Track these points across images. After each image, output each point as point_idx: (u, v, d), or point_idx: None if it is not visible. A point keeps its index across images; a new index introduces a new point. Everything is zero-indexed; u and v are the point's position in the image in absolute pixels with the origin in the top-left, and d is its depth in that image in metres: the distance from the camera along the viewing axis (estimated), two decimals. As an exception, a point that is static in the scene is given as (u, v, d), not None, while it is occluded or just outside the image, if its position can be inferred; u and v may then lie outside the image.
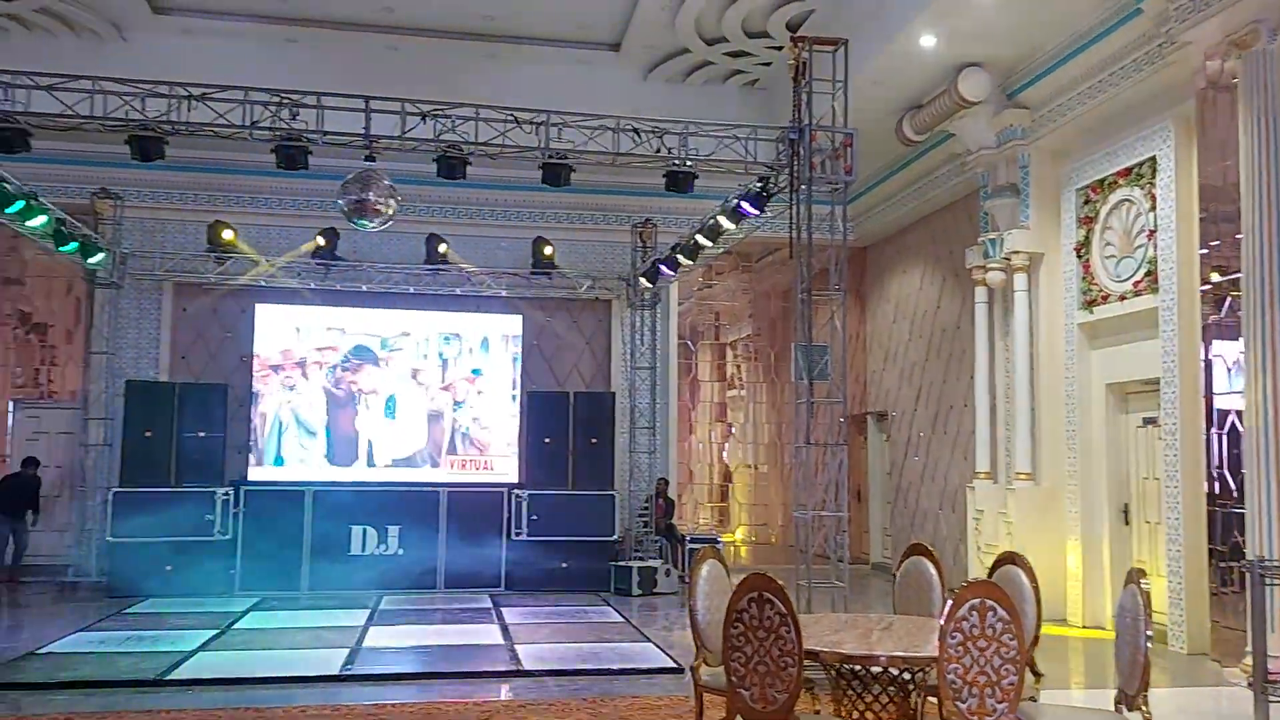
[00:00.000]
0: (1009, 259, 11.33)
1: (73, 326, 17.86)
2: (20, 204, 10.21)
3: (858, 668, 4.94)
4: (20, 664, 8.26)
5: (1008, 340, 11.59)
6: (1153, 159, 9.72)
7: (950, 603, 4.36)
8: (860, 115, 9.78)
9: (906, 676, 5.00)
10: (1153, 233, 9.69)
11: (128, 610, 11.14)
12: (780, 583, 4.59)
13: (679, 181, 9.97)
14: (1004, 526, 11.11)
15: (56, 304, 18.08)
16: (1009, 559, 5.65)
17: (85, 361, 13.97)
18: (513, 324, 14.51)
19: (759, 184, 10.02)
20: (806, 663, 4.58)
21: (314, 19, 12.73)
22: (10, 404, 15.24)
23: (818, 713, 5.90)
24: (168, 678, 7.86)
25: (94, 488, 13.08)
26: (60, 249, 11.84)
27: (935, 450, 14.07)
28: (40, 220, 10.80)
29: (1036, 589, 5.45)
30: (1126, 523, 10.37)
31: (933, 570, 5.99)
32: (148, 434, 12.57)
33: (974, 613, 4.33)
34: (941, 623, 4.37)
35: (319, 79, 10.29)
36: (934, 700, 5.10)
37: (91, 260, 12.69)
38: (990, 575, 5.62)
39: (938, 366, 14.06)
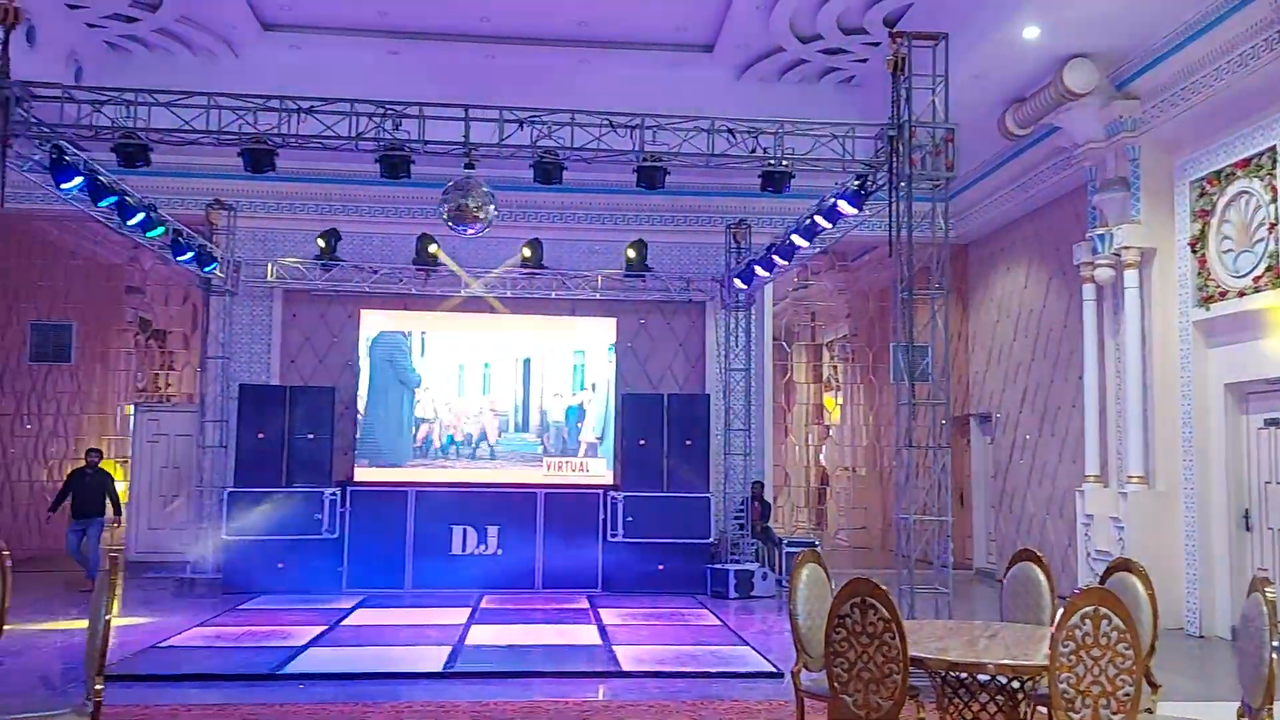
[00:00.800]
0: (1119, 255, 10.95)
1: (189, 332, 18.64)
2: (141, 215, 10.67)
3: (964, 676, 4.84)
4: (142, 656, 8.61)
5: (1118, 339, 11.20)
6: (1273, 149, 9.29)
7: (1062, 610, 4.24)
8: (961, 110, 9.58)
9: (1015, 685, 4.88)
10: (1274, 225, 9.26)
11: (242, 606, 11.55)
12: (884, 588, 4.52)
13: (775, 181, 9.89)
14: (1115, 532, 10.75)
15: (174, 311, 18.91)
16: (1123, 566, 5.47)
17: (201, 366, 14.53)
18: (607, 327, 14.61)
19: (857, 182, 9.88)
20: (911, 670, 4.51)
21: (414, 31, 13.04)
22: (133, 407, 15.96)
23: (923, 720, 5.80)
24: (280, 672, 8.13)
25: (210, 487, 13.59)
26: (178, 258, 12.34)
27: (1042, 453, 13.68)
28: (159, 231, 11.27)
29: (1152, 597, 5.27)
30: (1248, 529, 9.92)
31: (1042, 577, 5.84)
32: (260, 435, 13.03)
33: (1087, 621, 4.20)
34: (1053, 631, 4.25)
35: (420, 89, 10.53)
36: (1043, 710, 4.97)
37: (206, 269, 13.20)
38: (1103, 582, 5.45)
39: (1044, 367, 13.67)
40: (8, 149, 8.52)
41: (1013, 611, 5.97)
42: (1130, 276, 10.91)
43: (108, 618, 4.65)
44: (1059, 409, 13.21)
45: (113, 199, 10.01)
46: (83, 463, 13.27)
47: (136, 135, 9.17)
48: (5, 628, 5.36)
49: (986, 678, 4.81)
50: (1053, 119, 11.45)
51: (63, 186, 9.36)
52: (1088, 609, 4.21)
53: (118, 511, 13.20)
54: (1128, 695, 4.20)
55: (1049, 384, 13.52)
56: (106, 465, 14.27)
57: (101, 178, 9.73)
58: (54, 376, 16.93)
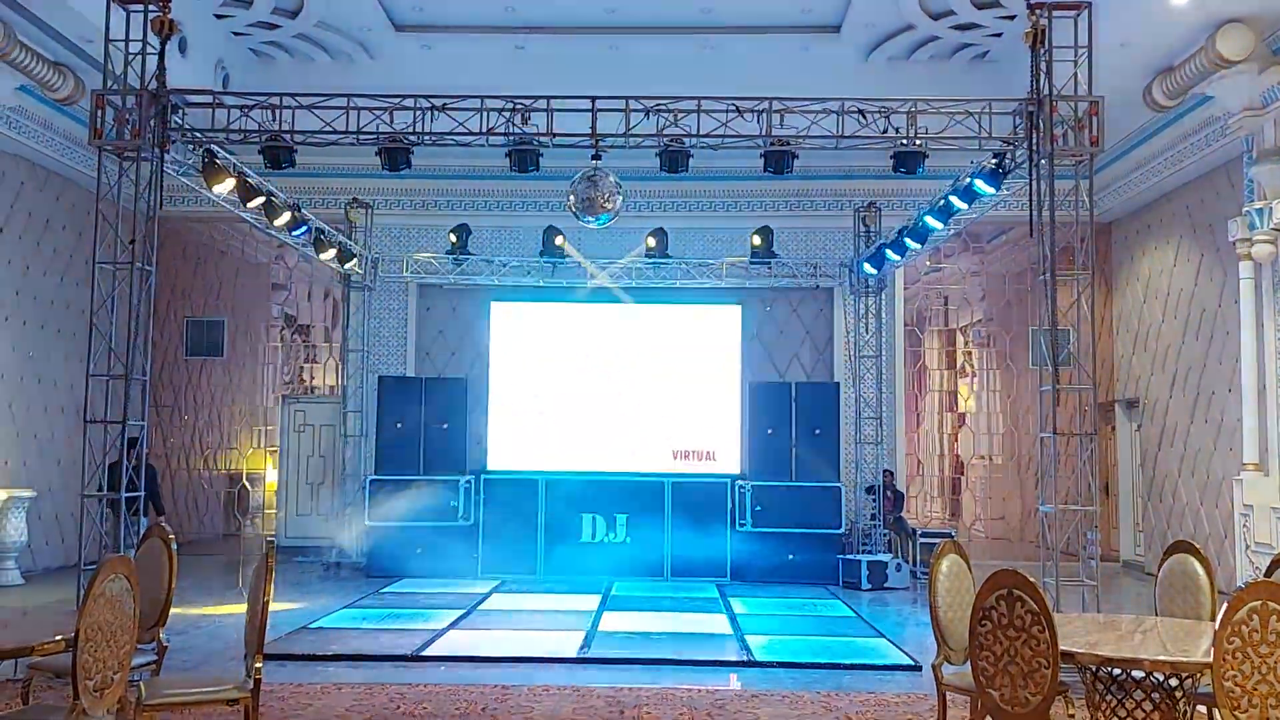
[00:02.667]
0: (1279, 230, 10.30)
1: (330, 326, 19.38)
2: (287, 215, 11.13)
3: (1118, 672, 4.64)
4: (295, 637, 9.02)
5: (1278, 319, 10.55)
6: None
7: (1227, 605, 4.02)
8: (1104, 82, 9.12)
9: (1173, 683, 4.65)
10: None
11: (385, 589, 11.97)
12: (1031, 579, 4.37)
13: (908, 162, 9.63)
14: (1278, 523, 10.14)
15: (316, 306, 19.68)
16: (1291, 559, 5.15)
17: (342, 359, 15.10)
18: (733, 315, 14.53)
19: (994, 160, 9.54)
20: (1061, 665, 4.34)
21: (540, 25, 13.20)
22: (280, 399, 16.70)
23: (1072, 717, 5.60)
24: (422, 654, 8.40)
25: (352, 475, 14.11)
26: (319, 255, 12.84)
27: (1195, 440, 13.00)
28: (302, 230, 11.74)
29: (1325, 593, 4.94)
30: None
31: (1200, 570, 5.54)
32: (398, 425, 13.46)
33: (1255, 616, 3.97)
34: (1217, 627, 4.03)
35: (547, 83, 10.63)
36: (1203, 710, 4.74)
37: (346, 265, 13.69)
38: (1268, 575, 5.15)
39: (1196, 349, 12.99)
40: (165, 154, 8.98)
41: (1168, 606, 5.69)
42: (1292, 252, 10.26)
43: (265, 600, 4.88)
44: (1213, 393, 12.53)
45: (260, 200, 10.47)
46: None
47: (281, 137, 9.55)
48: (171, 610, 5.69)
49: (1142, 674, 4.60)
50: (1204, 88, 10.85)
51: (215, 188, 9.83)
52: (1255, 603, 3.97)
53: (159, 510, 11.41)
54: (1300, 696, 3.95)
55: (1201, 367, 12.83)
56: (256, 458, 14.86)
57: (250, 179, 10.19)
58: (208, 369, 17.86)
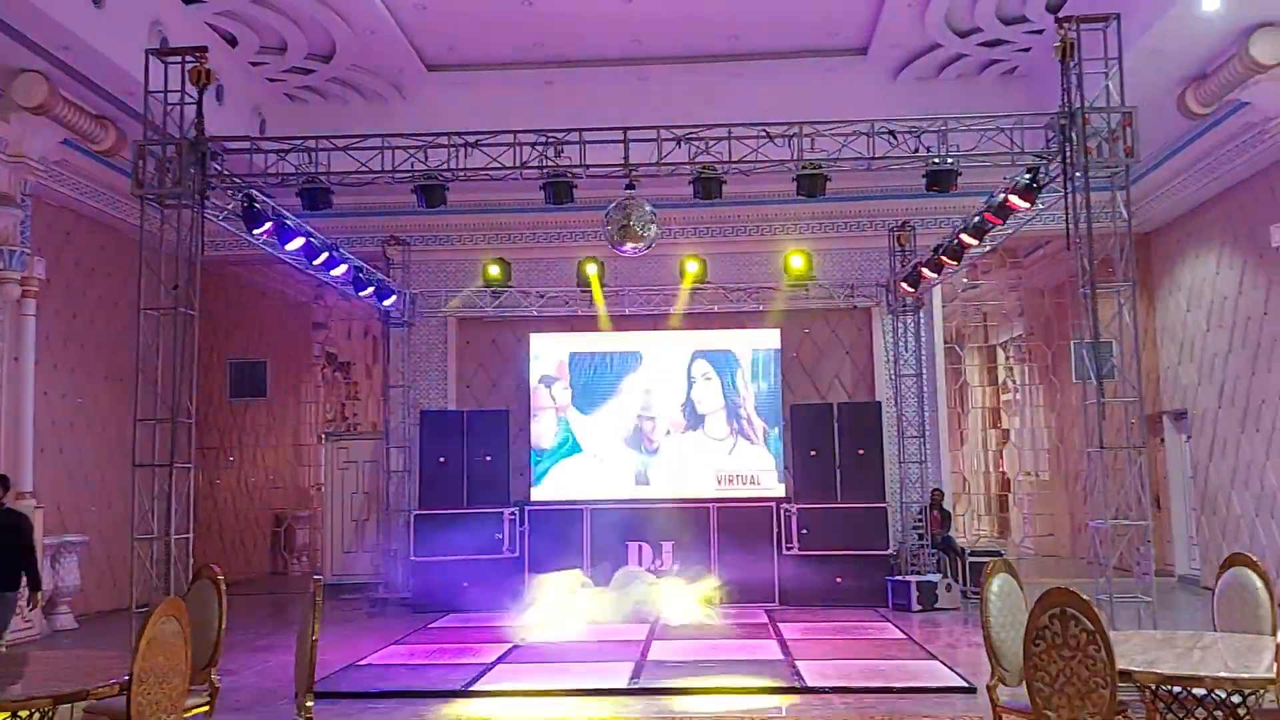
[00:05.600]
0: (1324, 233, 10.14)
1: (371, 363, 19.60)
2: (325, 255, 11.29)
3: (1178, 690, 4.54)
4: (344, 675, 9.04)
5: (1329, 324, 10.36)
6: None
7: (1288, 619, 3.93)
8: (1136, 92, 9.07)
9: (1236, 700, 4.55)
10: None
11: (432, 625, 11.99)
12: (1085, 597, 4.30)
13: (941, 180, 9.59)
14: (1337, 533, 9.90)
15: (356, 344, 19.93)
16: (1353, 570, 5.03)
17: (384, 395, 15.23)
18: (771, 338, 14.50)
19: (1028, 175, 9.48)
20: (1119, 684, 4.27)
21: (568, 60, 13.35)
22: (323, 436, 16.87)
23: (1133, 738, 5.48)
24: (471, 688, 8.38)
25: (396, 511, 14.19)
26: (359, 294, 13.00)
27: (1246, 450, 12.74)
28: (341, 269, 11.89)
29: (1388, 603, 4.83)
30: None
31: (1259, 583, 5.43)
32: (441, 460, 13.52)
33: (1318, 630, 3.88)
34: (1278, 641, 3.94)
35: (578, 115, 10.75)
36: (1270, 727, 4.63)
37: (385, 302, 13.84)
38: (1330, 588, 5.03)
39: (1244, 358, 12.76)
40: (205, 200, 9.16)
41: (1226, 620, 5.58)
42: (1339, 256, 10.08)
43: (314, 638, 4.91)
44: (1263, 402, 12.29)
45: (299, 241, 10.63)
46: None
47: (318, 179, 9.70)
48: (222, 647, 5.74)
49: (1203, 692, 4.50)
50: (1239, 94, 10.73)
51: (254, 232, 10.00)
52: (1318, 617, 3.89)
53: (34, 584, 7.87)
54: (1370, 711, 3.85)
55: (1249, 376, 12.60)
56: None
57: (288, 221, 10.36)
58: (251, 410, 18.09)
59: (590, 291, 14.34)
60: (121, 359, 13.75)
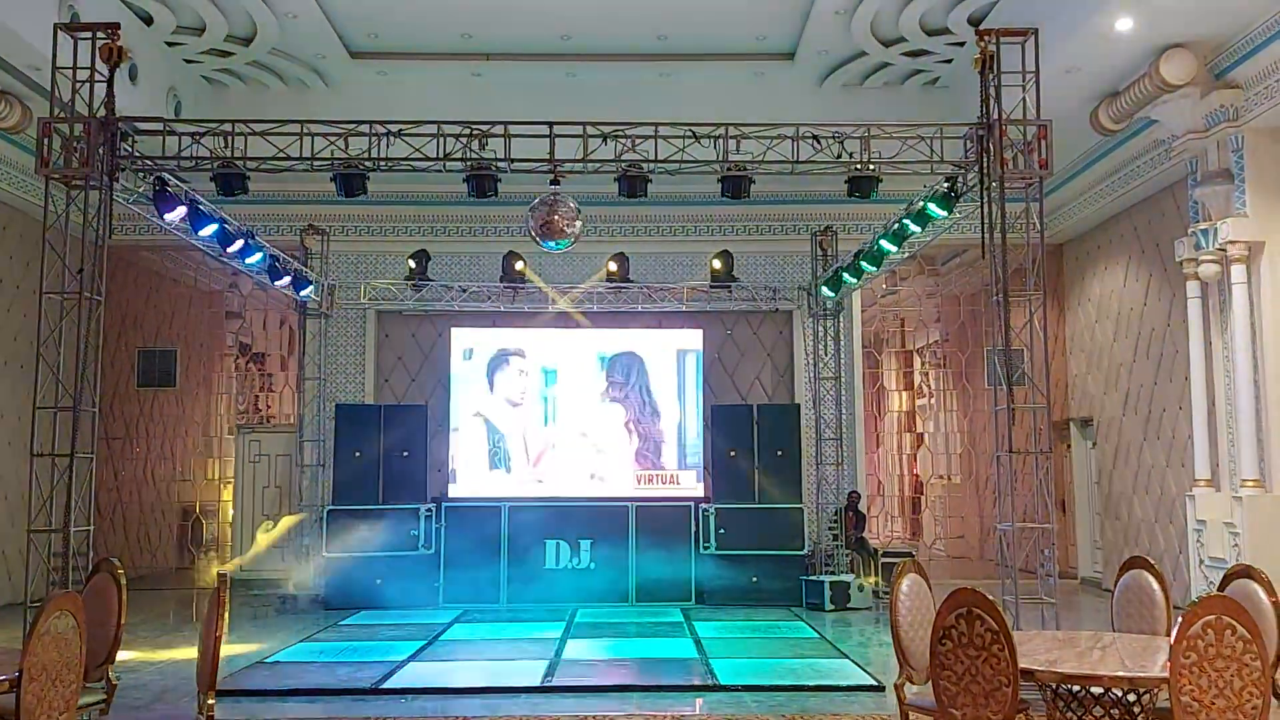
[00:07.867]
0: (1224, 250, 10.52)
1: (286, 355, 19.15)
2: (240, 243, 11.00)
3: (1077, 688, 4.67)
4: (249, 672, 8.84)
5: (1226, 337, 10.76)
6: (1391, 132, 8.84)
7: (1182, 619, 4.06)
8: (1052, 106, 9.32)
9: (1131, 698, 4.69)
10: (1395, 213, 8.80)
11: (343, 622, 11.78)
12: (990, 598, 4.39)
13: (862, 186, 9.75)
14: (1230, 538, 10.30)
15: (271, 335, 19.46)
16: (1243, 573, 5.24)
17: (299, 387, 14.91)
18: (693, 338, 14.57)
19: (946, 184, 9.68)
20: (1021, 683, 4.37)
21: (496, 52, 13.22)
22: (235, 428, 16.45)
23: (1033, 735, 5.61)
24: (382, 686, 8.25)
25: (309, 506, 13.91)
26: (275, 283, 12.69)
27: (1148, 457, 13.20)
28: (256, 257, 11.60)
29: (1277, 604, 5.02)
30: (1375, 533, 9.42)
31: (1156, 585, 5.61)
32: (357, 454, 13.29)
33: (1209, 630, 4.02)
34: (1173, 641, 4.07)
35: (504, 109, 10.66)
36: (1163, 724, 4.78)
37: (303, 292, 13.55)
38: (1221, 590, 5.22)
39: (1147, 368, 13.21)
40: (114, 182, 8.86)
41: (1124, 621, 5.76)
42: (1237, 271, 10.48)
43: (218, 635, 4.78)
44: (1164, 411, 12.73)
45: (213, 227, 10.34)
46: None
47: (234, 164, 9.45)
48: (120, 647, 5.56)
49: (1101, 690, 4.64)
50: (1149, 112, 11.08)
51: (166, 217, 9.68)
52: (1210, 618, 4.03)
53: None
54: (1255, 708, 4.01)
55: (1153, 386, 13.05)
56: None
57: (202, 207, 10.06)
58: (160, 400, 17.56)
59: (514, 287, 14.22)
60: (21, 345, 13.24)
